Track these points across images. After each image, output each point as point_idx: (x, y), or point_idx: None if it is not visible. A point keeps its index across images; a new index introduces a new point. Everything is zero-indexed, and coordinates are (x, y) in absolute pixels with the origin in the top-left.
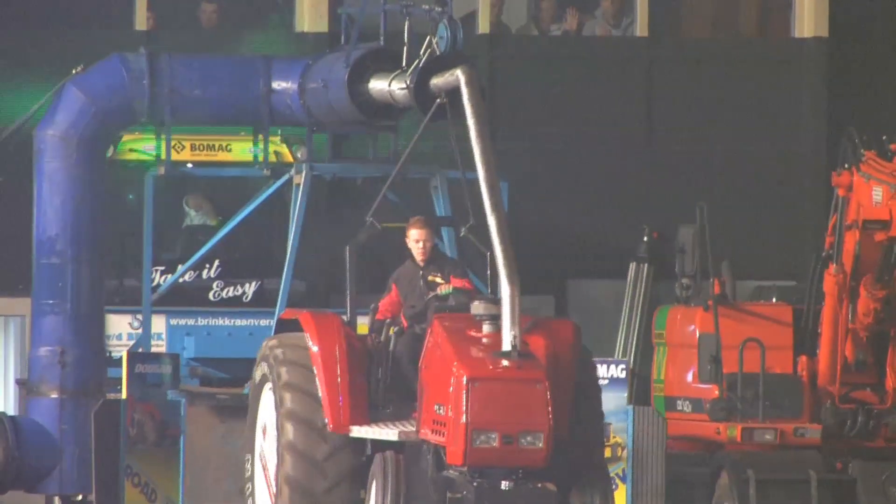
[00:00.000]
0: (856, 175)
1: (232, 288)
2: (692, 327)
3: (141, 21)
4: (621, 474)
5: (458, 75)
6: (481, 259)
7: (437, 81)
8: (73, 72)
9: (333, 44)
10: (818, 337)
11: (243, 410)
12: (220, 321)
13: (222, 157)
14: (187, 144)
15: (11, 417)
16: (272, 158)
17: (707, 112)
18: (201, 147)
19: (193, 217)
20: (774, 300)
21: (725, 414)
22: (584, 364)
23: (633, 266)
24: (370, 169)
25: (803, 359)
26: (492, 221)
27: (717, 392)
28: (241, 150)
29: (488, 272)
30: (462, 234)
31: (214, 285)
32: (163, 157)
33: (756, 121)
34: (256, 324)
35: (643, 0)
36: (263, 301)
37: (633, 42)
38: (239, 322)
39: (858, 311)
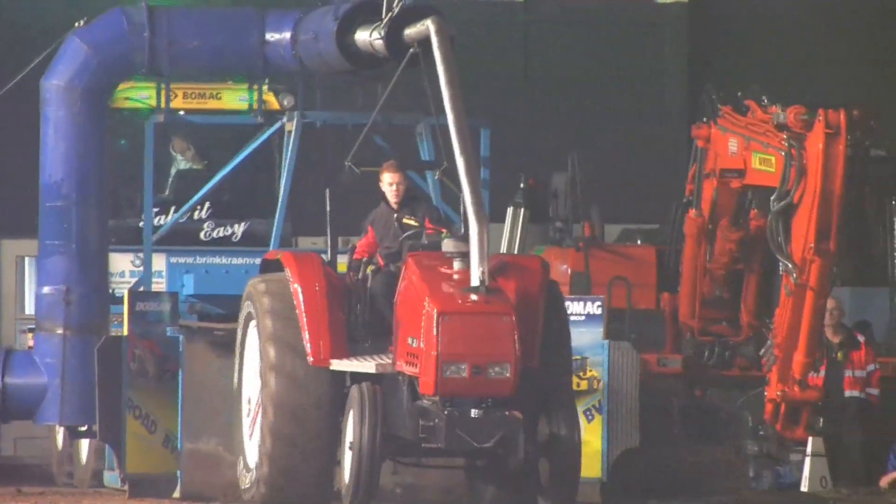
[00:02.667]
0: (713, 128)
1: (222, 228)
2: (565, 266)
3: None
4: (598, 406)
5: (429, 25)
6: (457, 200)
7: (409, 32)
8: (76, 25)
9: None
10: (679, 275)
11: None
12: (217, 260)
13: (213, 104)
14: (180, 93)
15: (6, 350)
16: (257, 108)
17: (581, 70)
18: (193, 95)
19: (180, 161)
20: (639, 242)
21: None
22: (553, 298)
23: (510, 210)
24: (358, 116)
25: (665, 295)
26: (460, 163)
27: None
28: (230, 98)
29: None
30: (437, 176)
31: (205, 226)
32: (162, 105)
33: (625, 78)
34: (252, 262)
35: None
36: (252, 241)
37: (512, 6)
38: (235, 261)
39: (715, 251)
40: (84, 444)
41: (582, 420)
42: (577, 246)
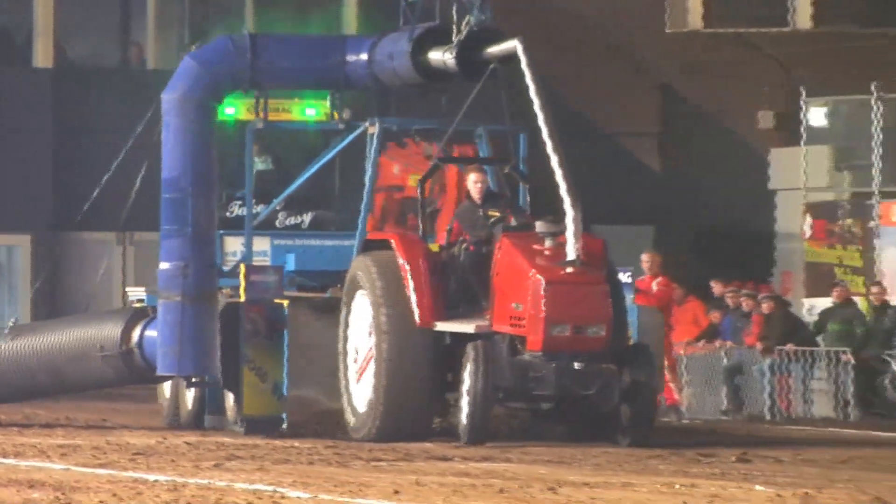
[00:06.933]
0: (383, 157)
1: (293, 217)
2: None
3: None
4: None
5: (516, 44)
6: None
7: (492, 50)
8: (192, 48)
9: (59, 77)
10: None
11: (332, 310)
12: (313, 241)
13: (283, 116)
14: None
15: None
16: (324, 119)
17: None
18: (269, 107)
19: (258, 163)
20: None
21: None
22: (612, 270)
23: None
24: (426, 121)
25: None
26: (554, 159)
27: None
28: (298, 110)
29: (526, 200)
30: (506, 171)
31: (279, 215)
32: (260, 115)
33: None
34: (341, 244)
35: None
36: (317, 226)
37: None
38: (328, 242)
39: None
40: (189, 394)
41: None
42: None
